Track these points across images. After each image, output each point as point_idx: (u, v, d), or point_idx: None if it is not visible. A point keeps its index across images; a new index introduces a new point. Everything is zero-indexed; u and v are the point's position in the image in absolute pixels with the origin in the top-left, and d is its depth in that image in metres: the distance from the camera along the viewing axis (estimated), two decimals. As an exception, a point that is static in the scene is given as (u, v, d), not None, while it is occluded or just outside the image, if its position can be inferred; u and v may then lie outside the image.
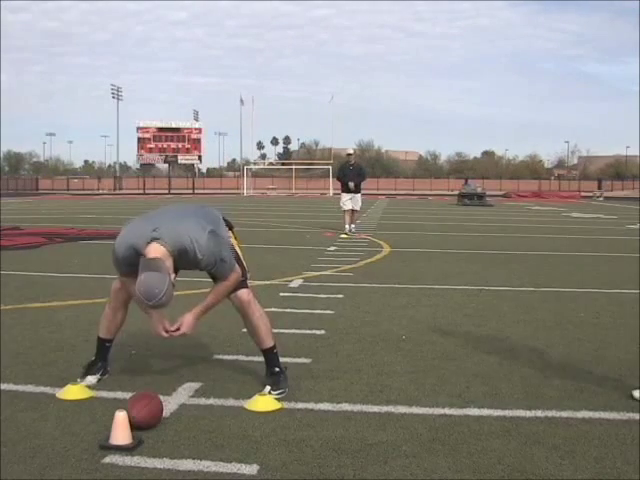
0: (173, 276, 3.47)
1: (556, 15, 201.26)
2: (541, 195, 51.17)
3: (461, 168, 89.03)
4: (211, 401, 3.58)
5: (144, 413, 3.13)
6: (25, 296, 6.56)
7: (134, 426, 3.02)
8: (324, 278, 7.98)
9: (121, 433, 2.95)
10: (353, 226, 14.56)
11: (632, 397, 3.62)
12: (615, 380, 3.98)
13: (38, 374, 4.01)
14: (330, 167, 50.14)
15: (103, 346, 3.95)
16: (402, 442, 3.06)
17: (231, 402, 3.57)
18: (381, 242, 12.63)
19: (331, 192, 47.67)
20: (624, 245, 12.69)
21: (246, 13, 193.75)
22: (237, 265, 3.72)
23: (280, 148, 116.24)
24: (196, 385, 3.83)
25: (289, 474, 2.74)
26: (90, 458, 2.84)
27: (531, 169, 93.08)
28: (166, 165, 62.87)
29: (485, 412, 3.46)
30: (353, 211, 14.60)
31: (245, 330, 4.01)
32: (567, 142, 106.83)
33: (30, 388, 3.76)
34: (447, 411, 3.47)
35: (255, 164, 67.67)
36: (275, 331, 3.95)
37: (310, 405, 3.54)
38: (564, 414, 3.45)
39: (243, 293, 3.75)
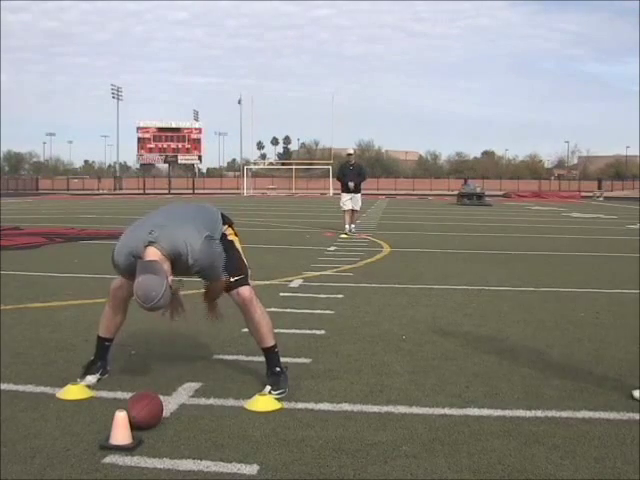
0: (171, 278, 3.47)
1: (556, 15, 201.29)
2: (541, 195, 51.17)
3: (461, 168, 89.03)
4: (211, 401, 3.58)
5: (144, 413, 3.13)
6: (25, 296, 6.56)
7: (134, 426, 3.02)
8: (324, 278, 7.98)
9: (121, 433, 2.95)
10: (353, 226, 14.56)
11: (632, 397, 3.62)
12: (615, 380, 3.98)
13: (38, 374, 4.01)
14: (330, 167, 50.16)
15: (103, 345, 3.95)
16: (402, 442, 3.06)
17: (231, 402, 3.57)
18: (381, 242, 12.63)
19: (331, 192, 47.68)
20: (624, 245, 12.69)
21: (246, 13, 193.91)
22: (222, 278, 3.73)
23: (280, 148, 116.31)
24: (196, 385, 3.83)
25: (289, 474, 2.74)
26: (90, 458, 2.84)
27: (531, 169, 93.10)
28: (166, 165, 62.85)
29: (485, 412, 3.46)
30: (353, 211, 14.60)
31: (246, 330, 4.01)
32: (567, 142, 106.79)
33: (30, 388, 3.76)
34: (447, 411, 3.47)
35: (255, 164, 67.65)
36: (275, 331, 3.94)
37: (310, 405, 3.54)
38: (564, 414, 3.45)
39: (245, 290, 3.76)
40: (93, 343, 4.03)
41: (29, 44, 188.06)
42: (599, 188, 55.39)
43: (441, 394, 3.74)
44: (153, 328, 5.06)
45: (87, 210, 25.24)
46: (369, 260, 9.97)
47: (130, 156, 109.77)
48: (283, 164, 75.70)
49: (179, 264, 3.54)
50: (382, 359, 4.45)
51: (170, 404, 3.48)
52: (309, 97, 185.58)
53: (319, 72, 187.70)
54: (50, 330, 5.14)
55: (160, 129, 57.64)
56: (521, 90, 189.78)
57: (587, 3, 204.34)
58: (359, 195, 14.69)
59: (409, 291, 7.22)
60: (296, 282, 7.58)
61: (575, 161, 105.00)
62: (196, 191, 56.84)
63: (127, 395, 3.51)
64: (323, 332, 5.16)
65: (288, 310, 5.93)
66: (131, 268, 3.54)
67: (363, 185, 15.00)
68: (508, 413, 3.45)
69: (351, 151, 15.55)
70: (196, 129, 58.79)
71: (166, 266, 3.45)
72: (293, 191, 59.64)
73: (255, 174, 64.13)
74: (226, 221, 3.92)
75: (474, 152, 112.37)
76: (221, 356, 4.49)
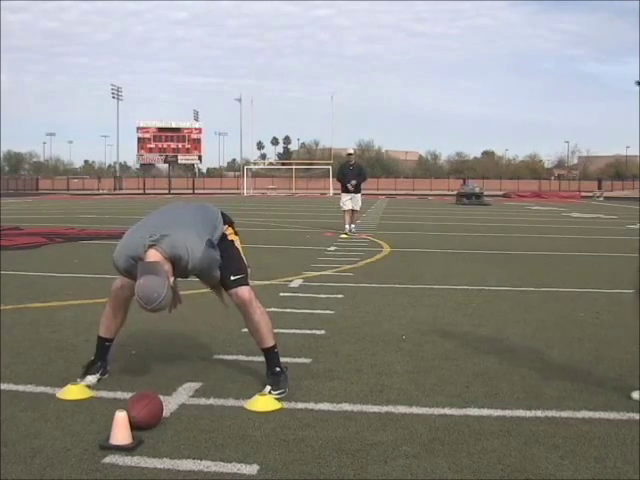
0: (172, 279, 3.47)
1: (556, 15, 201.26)
2: (541, 195, 51.17)
3: (461, 168, 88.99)
4: (211, 401, 3.58)
5: (144, 413, 3.13)
6: (25, 296, 6.56)
7: (134, 426, 3.02)
8: (324, 278, 7.98)
9: (121, 433, 2.95)
10: (353, 226, 14.56)
11: (631, 398, 3.62)
12: (615, 380, 3.98)
13: (38, 374, 4.01)
14: (330, 167, 50.17)
15: (103, 345, 3.95)
16: (402, 442, 3.06)
17: (231, 402, 3.57)
18: (381, 242, 12.63)
19: (331, 192, 47.68)
20: (624, 245, 12.68)
21: (246, 13, 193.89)
22: (217, 276, 3.76)
23: (280, 148, 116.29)
24: (196, 385, 3.83)
25: (289, 474, 2.74)
26: (90, 458, 2.84)
27: (531, 169, 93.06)
28: (166, 165, 62.85)
29: (485, 412, 3.46)
30: (353, 211, 14.60)
31: (246, 330, 4.01)
32: (567, 142, 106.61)
33: (30, 388, 3.76)
34: (447, 411, 3.47)
35: (255, 164, 67.69)
36: (275, 331, 3.94)
37: (310, 405, 3.54)
38: (564, 414, 3.45)
39: (244, 291, 3.75)
40: (93, 343, 4.03)
41: (29, 44, 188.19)
42: (599, 188, 55.41)
43: (441, 394, 3.74)
44: (153, 328, 5.06)
45: (87, 210, 25.24)
46: (369, 260, 9.97)
47: (130, 156, 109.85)
48: (283, 164, 75.71)
49: (178, 267, 3.55)
50: (382, 359, 4.45)
51: (170, 404, 3.48)
52: (309, 97, 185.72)
53: (319, 72, 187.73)
54: (50, 330, 5.14)
55: (160, 129, 57.65)
56: (521, 90, 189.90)
57: (587, 3, 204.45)
58: (359, 195, 14.69)
59: (409, 291, 7.22)
60: (296, 282, 7.58)
61: (575, 161, 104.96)
62: (196, 191, 56.84)
63: (127, 395, 3.51)
64: (323, 332, 5.16)
65: (288, 310, 5.93)
66: (131, 269, 3.54)
67: (363, 185, 15.00)
68: (508, 413, 3.45)
69: (351, 151, 15.54)
70: (196, 129, 58.80)
71: (167, 267, 3.46)
72: (293, 191, 59.64)
73: (255, 174, 64.15)
74: (226, 220, 3.91)
75: (474, 152, 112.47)
76: (221, 356, 4.49)
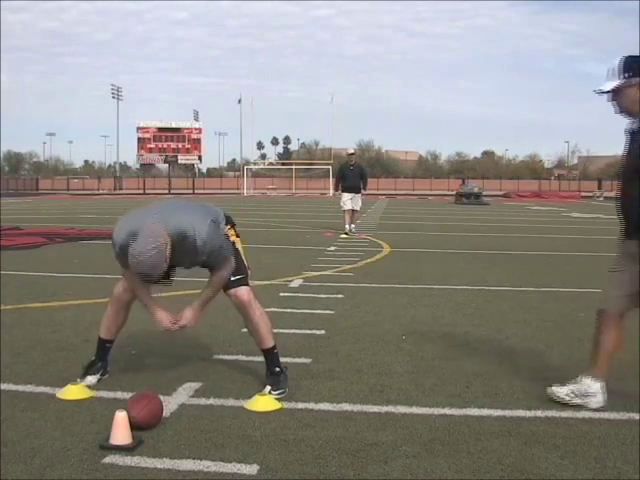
0: (169, 251, 3.41)
1: (556, 15, 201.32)
2: (541, 195, 51.16)
3: (461, 168, 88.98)
4: (211, 401, 3.58)
5: (144, 413, 3.13)
6: (25, 296, 6.56)
7: (134, 426, 3.02)
8: (324, 278, 7.98)
9: (121, 433, 2.95)
10: (353, 226, 14.57)
11: (548, 395, 3.61)
12: (615, 380, 3.97)
13: (38, 374, 4.01)
14: (330, 167, 50.17)
15: (104, 346, 3.95)
16: (402, 442, 3.06)
17: (231, 402, 3.57)
18: (381, 242, 12.63)
19: (331, 192, 47.65)
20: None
21: (246, 13, 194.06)
22: (232, 256, 3.72)
23: (280, 148, 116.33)
24: (196, 385, 3.83)
25: (289, 474, 2.74)
26: (90, 458, 2.84)
27: (531, 169, 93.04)
28: (166, 165, 62.82)
29: (485, 412, 3.46)
30: (353, 211, 14.61)
31: (246, 330, 4.00)
32: (567, 142, 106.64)
33: (30, 388, 3.76)
34: (447, 411, 3.47)
35: (255, 164, 67.70)
36: (275, 331, 3.95)
37: (310, 405, 3.54)
38: (564, 414, 3.45)
39: (244, 292, 3.74)
40: (93, 343, 4.03)
41: (29, 44, 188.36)
42: (599, 188, 55.31)
43: (441, 394, 3.74)
44: (153, 328, 5.05)
45: (87, 210, 25.23)
46: (369, 260, 9.97)
47: (130, 156, 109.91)
48: (283, 164, 75.72)
49: (185, 246, 3.50)
50: (382, 359, 4.45)
51: (170, 404, 3.48)
52: (309, 97, 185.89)
53: (319, 72, 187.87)
54: (50, 330, 5.14)
55: (160, 129, 57.62)
56: (521, 90, 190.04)
57: (587, 3, 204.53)
58: (359, 195, 14.70)
59: (409, 291, 7.22)
60: (296, 282, 7.58)
61: (575, 161, 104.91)
62: (196, 191, 56.82)
63: (127, 395, 3.51)
64: (323, 332, 5.16)
65: (288, 310, 5.93)
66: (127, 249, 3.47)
67: (368, 185, 15.08)
68: (508, 413, 3.46)
69: (352, 151, 15.56)
70: (196, 129, 58.77)
71: (167, 241, 3.40)
72: (293, 191, 59.64)
73: (255, 174, 64.15)
74: (228, 222, 3.91)
75: (474, 152, 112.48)
76: (221, 356, 4.49)
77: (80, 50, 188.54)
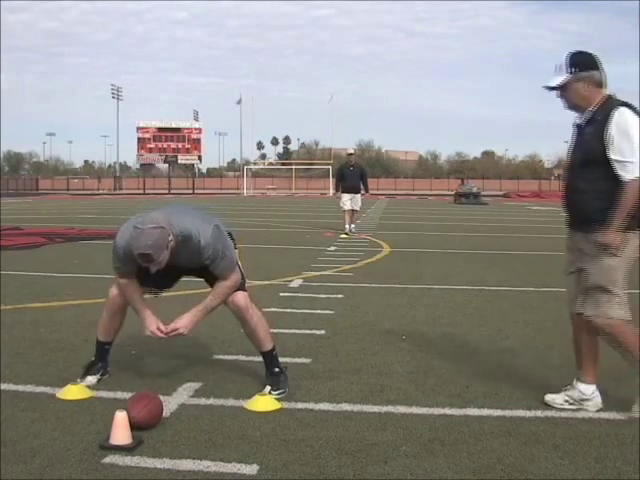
0: (172, 244, 3.42)
1: (556, 15, 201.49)
2: (541, 195, 51.12)
3: (461, 168, 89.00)
4: (211, 401, 3.58)
5: (144, 413, 3.13)
6: (25, 296, 6.56)
7: (134, 426, 3.02)
8: (324, 278, 7.98)
9: (121, 433, 2.95)
10: (353, 226, 14.57)
11: (545, 403, 3.60)
12: (615, 380, 3.97)
13: (38, 374, 4.01)
14: (330, 167, 50.15)
15: (103, 348, 3.95)
16: (402, 442, 3.06)
17: (231, 402, 3.57)
18: (381, 242, 12.63)
19: (331, 192, 47.63)
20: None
21: (246, 13, 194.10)
22: (237, 268, 3.73)
23: (280, 148, 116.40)
24: (196, 385, 3.83)
25: (289, 474, 2.74)
26: (90, 458, 2.84)
27: (531, 169, 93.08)
28: (166, 165, 62.81)
29: (485, 412, 3.46)
30: (353, 211, 14.61)
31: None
32: (567, 142, 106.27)
33: (30, 388, 3.76)
34: (447, 411, 3.47)
35: (255, 164, 67.69)
36: (275, 331, 3.95)
37: (310, 405, 3.54)
38: (564, 414, 3.45)
39: (240, 297, 3.74)
40: (93, 343, 4.03)
41: (29, 44, 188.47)
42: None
43: (441, 394, 3.74)
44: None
45: (87, 210, 25.23)
46: (369, 260, 9.97)
47: (130, 156, 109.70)
48: (283, 164, 75.75)
49: (189, 248, 3.51)
50: (382, 359, 4.45)
51: (170, 404, 3.48)
52: (309, 97, 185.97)
53: (319, 72, 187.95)
54: (50, 330, 5.14)
55: (160, 129, 57.60)
56: (521, 90, 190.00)
57: (587, 3, 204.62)
58: (359, 195, 14.69)
59: (409, 291, 7.22)
60: (296, 282, 7.58)
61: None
62: (196, 191, 56.81)
63: (127, 395, 3.51)
64: (323, 332, 5.16)
65: (288, 310, 5.93)
66: (132, 257, 3.45)
67: (369, 185, 15.10)
68: (508, 413, 3.46)
69: (352, 151, 15.56)
70: (196, 129, 58.76)
71: (171, 239, 3.42)
72: (293, 191, 59.62)
73: (255, 174, 64.14)
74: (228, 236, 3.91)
75: (474, 152, 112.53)
76: (221, 356, 4.49)
77: (80, 50, 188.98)
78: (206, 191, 58.79)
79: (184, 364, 4.27)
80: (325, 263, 9.29)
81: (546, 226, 18.41)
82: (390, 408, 3.50)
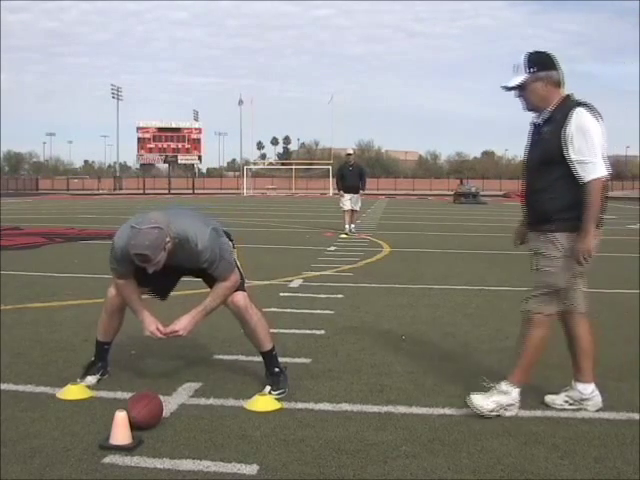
0: (170, 245, 3.42)
1: (556, 15, 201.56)
2: (541, 195, 51.10)
3: (461, 168, 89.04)
4: (211, 401, 3.58)
5: (144, 413, 3.13)
6: (25, 296, 6.56)
7: (134, 426, 3.02)
8: (324, 278, 7.98)
9: (121, 433, 2.95)
10: (353, 226, 14.56)
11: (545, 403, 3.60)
12: (615, 380, 3.98)
13: (38, 374, 4.01)
14: (330, 167, 50.17)
15: (102, 349, 3.95)
16: (402, 442, 3.06)
17: (231, 402, 3.57)
18: (381, 242, 12.63)
19: (331, 192, 47.68)
20: (624, 245, 12.68)
21: (246, 13, 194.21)
22: (237, 268, 3.73)
23: (280, 148, 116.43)
24: (196, 385, 3.83)
25: (289, 474, 2.74)
26: (90, 458, 2.84)
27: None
28: (166, 165, 62.79)
29: (485, 412, 3.45)
30: (353, 211, 14.60)
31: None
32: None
33: (30, 388, 3.76)
34: (447, 411, 3.47)
35: (255, 164, 67.71)
36: (275, 331, 3.95)
37: (310, 405, 3.54)
38: (564, 414, 3.45)
39: (240, 298, 3.74)
40: (93, 343, 4.03)
41: (29, 44, 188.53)
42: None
43: (441, 394, 3.74)
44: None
45: (87, 210, 25.23)
46: (369, 260, 9.97)
47: (130, 156, 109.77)
48: (283, 164, 75.73)
49: (186, 251, 3.51)
50: (382, 359, 4.45)
51: (170, 404, 3.48)
52: (309, 97, 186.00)
53: (319, 72, 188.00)
54: (50, 330, 5.14)
55: (160, 129, 57.59)
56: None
57: (587, 3, 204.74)
58: (358, 195, 14.69)
59: (409, 291, 7.22)
60: (296, 282, 7.58)
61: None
62: (196, 191, 56.81)
63: (127, 395, 3.51)
64: (323, 332, 5.16)
65: (288, 310, 5.93)
66: (130, 258, 3.45)
67: (367, 185, 15.10)
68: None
69: (350, 151, 15.55)
70: (196, 129, 58.75)
71: (169, 234, 3.42)
72: (293, 191, 59.63)
73: (255, 174, 64.14)
74: (227, 236, 3.90)
75: (474, 152, 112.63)
76: (221, 356, 4.49)
77: (80, 50, 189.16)
78: (206, 191, 58.78)
79: (184, 364, 4.27)
80: (325, 263, 9.29)
81: (546, 226, 18.39)
82: (390, 408, 3.50)
